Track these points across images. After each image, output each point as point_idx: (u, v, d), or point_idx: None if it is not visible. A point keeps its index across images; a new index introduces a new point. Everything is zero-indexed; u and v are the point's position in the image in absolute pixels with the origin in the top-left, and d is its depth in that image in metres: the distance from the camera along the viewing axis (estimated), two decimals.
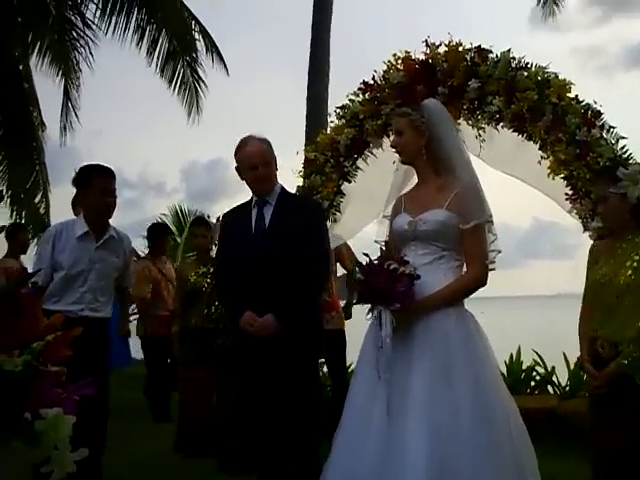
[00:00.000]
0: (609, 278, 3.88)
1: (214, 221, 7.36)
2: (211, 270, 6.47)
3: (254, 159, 4.34)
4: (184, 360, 6.74)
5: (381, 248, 3.65)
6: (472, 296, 3.71)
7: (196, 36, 13.74)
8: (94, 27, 13.30)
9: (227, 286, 4.45)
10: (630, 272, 3.80)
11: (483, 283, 3.70)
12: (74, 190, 5.40)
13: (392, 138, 3.92)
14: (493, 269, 3.78)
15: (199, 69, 13.89)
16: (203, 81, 14.01)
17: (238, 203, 4.57)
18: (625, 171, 3.97)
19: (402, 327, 3.45)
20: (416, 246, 3.66)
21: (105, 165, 4.83)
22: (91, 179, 4.76)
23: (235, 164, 4.43)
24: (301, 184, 5.99)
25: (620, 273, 3.84)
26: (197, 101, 14.21)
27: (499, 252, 3.73)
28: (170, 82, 13.99)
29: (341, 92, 5.86)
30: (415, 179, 3.92)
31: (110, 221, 4.91)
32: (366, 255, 3.57)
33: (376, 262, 3.48)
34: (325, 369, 7.71)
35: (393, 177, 4.23)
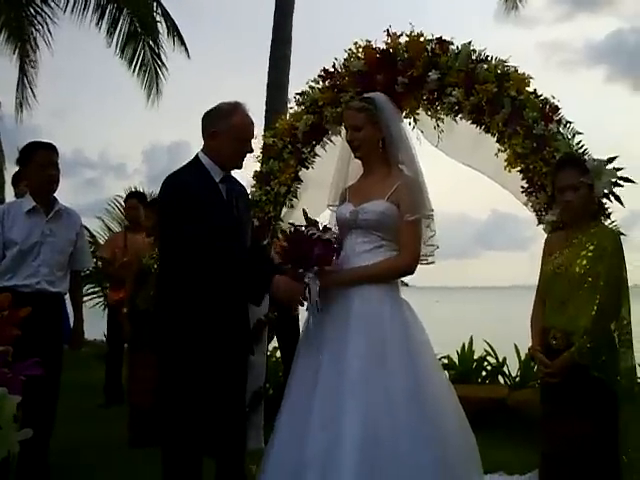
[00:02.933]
0: (564, 268, 3.92)
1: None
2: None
3: (251, 132, 3.98)
4: (132, 343, 6.67)
5: (306, 217, 3.81)
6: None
7: (157, 18, 13.63)
8: (52, 4, 13.12)
9: (236, 247, 3.82)
10: (585, 262, 3.84)
11: (409, 271, 3.87)
12: None
13: (346, 133, 4.05)
14: (433, 262, 4.02)
15: (160, 51, 13.80)
16: (164, 64, 13.94)
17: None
18: (593, 163, 4.14)
19: (329, 298, 3.71)
20: (357, 234, 3.85)
21: (46, 141, 4.85)
22: (31, 154, 4.81)
23: (215, 127, 3.87)
24: (259, 169, 5.95)
25: (575, 263, 3.87)
26: (157, 83, 14.16)
27: (437, 247, 4.05)
28: (130, 63, 13.91)
29: (302, 79, 5.84)
30: (357, 166, 4.11)
31: (67, 200, 4.95)
32: (291, 224, 3.87)
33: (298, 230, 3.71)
34: (278, 354, 7.72)
35: (338, 163, 4.29)
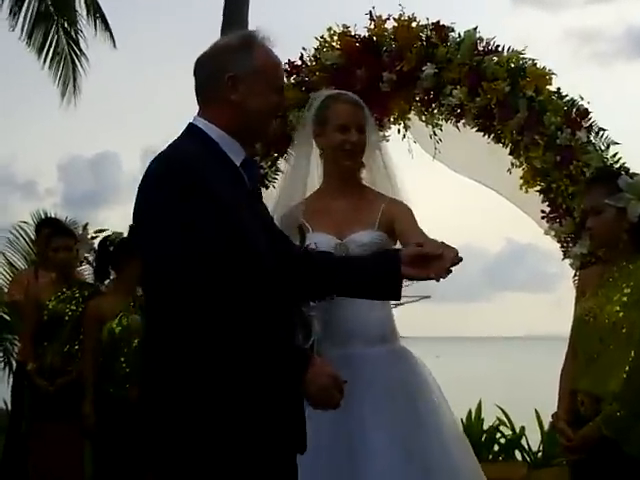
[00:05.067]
0: (594, 314, 3.90)
1: (81, 230, 7.26)
2: (76, 294, 6.40)
3: (282, 77, 3.29)
4: (38, 411, 6.54)
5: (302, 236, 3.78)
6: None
7: None
8: None
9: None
10: (618, 308, 3.82)
11: None
12: None
13: (339, 133, 3.99)
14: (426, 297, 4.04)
15: (79, 37, 13.71)
16: (83, 52, 13.83)
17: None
18: (629, 180, 3.96)
19: None
20: None
21: None
22: None
23: (233, 68, 2.91)
24: None
25: (606, 309, 3.86)
26: (74, 78, 14.02)
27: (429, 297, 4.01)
28: (40, 51, 13.77)
29: None
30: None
31: None
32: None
33: None
34: None
35: (291, 174, 4.39)
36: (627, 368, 3.74)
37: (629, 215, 3.90)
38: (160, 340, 2.79)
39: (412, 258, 3.00)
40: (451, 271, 2.99)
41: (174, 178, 2.70)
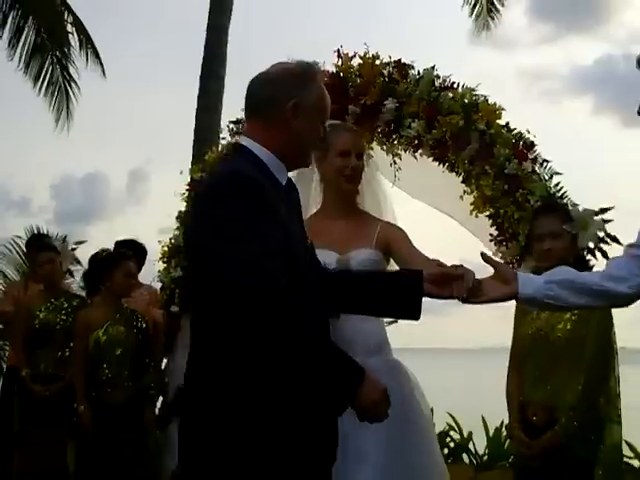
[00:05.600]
0: (545, 332, 3.94)
1: (65, 242, 7.17)
2: (64, 304, 6.31)
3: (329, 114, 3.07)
4: (28, 416, 6.39)
5: None
6: None
7: (69, 28, 13.52)
8: None
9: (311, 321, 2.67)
10: (569, 326, 3.86)
11: None
12: None
13: (339, 160, 4.04)
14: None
15: (71, 67, 13.68)
16: (75, 82, 13.81)
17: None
18: (579, 212, 4.24)
19: None
20: None
21: None
22: None
23: (297, 95, 2.79)
24: (183, 209, 5.86)
25: (558, 328, 3.90)
26: (67, 105, 13.99)
27: None
28: (36, 80, 13.74)
29: (237, 104, 5.78)
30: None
31: None
32: None
33: None
34: None
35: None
36: (582, 381, 3.82)
37: (579, 242, 4.15)
38: (219, 344, 2.61)
39: (435, 277, 2.88)
40: (470, 291, 2.88)
41: (241, 193, 2.55)
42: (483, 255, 2.94)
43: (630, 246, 2.90)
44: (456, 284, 2.86)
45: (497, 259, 3.09)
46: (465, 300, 2.84)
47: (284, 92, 2.77)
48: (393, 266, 4.15)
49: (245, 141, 2.82)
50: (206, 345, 2.66)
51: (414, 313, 2.92)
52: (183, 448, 2.72)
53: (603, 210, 4.40)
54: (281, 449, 2.58)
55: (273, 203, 2.61)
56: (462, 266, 2.92)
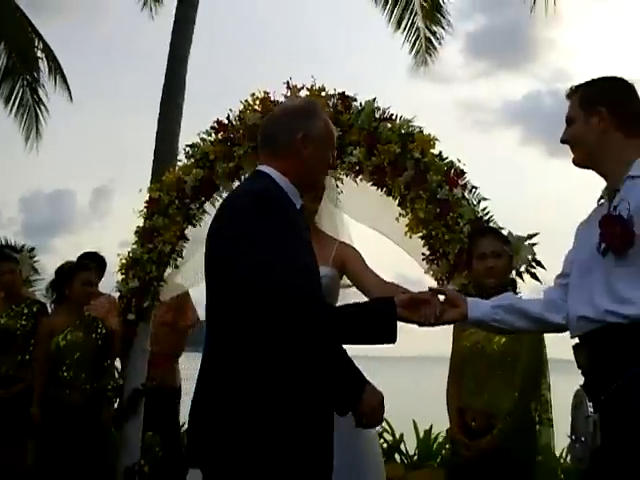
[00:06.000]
0: (482, 346, 4.01)
1: (24, 252, 7.11)
2: (25, 310, 6.24)
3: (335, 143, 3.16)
4: None
5: None
6: None
7: (39, 54, 13.41)
8: None
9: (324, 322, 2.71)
10: (504, 340, 3.93)
11: None
12: None
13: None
14: None
15: (40, 90, 13.56)
16: (44, 104, 13.69)
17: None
18: (513, 236, 4.42)
19: None
20: None
21: None
22: None
23: (306, 129, 2.90)
24: (142, 225, 5.85)
25: (494, 341, 3.97)
26: (37, 126, 13.86)
27: None
28: (7, 102, 13.60)
29: (194, 129, 5.81)
30: None
31: None
32: None
33: None
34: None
35: None
36: (517, 390, 3.92)
37: (514, 263, 4.32)
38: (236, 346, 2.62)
39: (404, 303, 2.80)
40: (437, 316, 2.87)
41: (268, 211, 2.62)
42: (431, 288, 2.98)
43: (557, 277, 2.98)
44: (424, 309, 2.85)
45: (445, 287, 3.14)
46: (421, 324, 2.82)
47: (294, 126, 2.88)
48: (345, 280, 4.18)
49: (265, 168, 2.88)
50: (227, 350, 2.65)
51: (391, 337, 2.80)
52: (196, 441, 2.72)
53: (530, 236, 4.53)
54: (288, 452, 2.57)
55: (297, 223, 2.73)
56: (428, 292, 2.93)
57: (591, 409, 2.58)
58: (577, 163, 2.85)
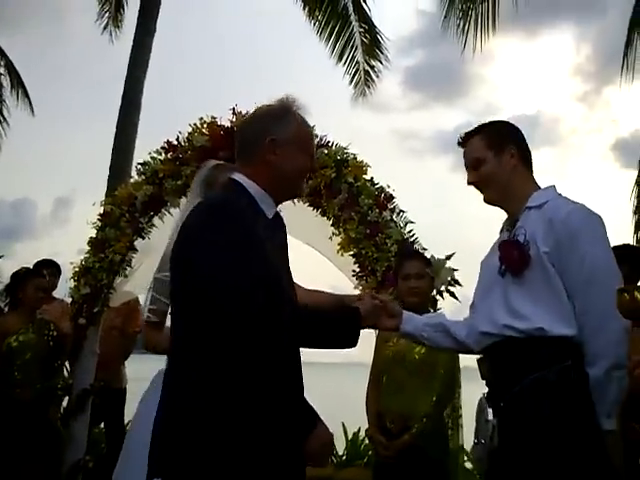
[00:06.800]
0: (403, 353, 4.11)
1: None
2: None
3: (314, 144, 2.91)
4: None
5: None
6: None
7: (1, 70, 13.24)
8: None
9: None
10: (423, 350, 4.03)
11: None
12: None
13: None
14: None
15: (2, 106, 13.39)
16: (5, 119, 13.51)
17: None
18: (434, 259, 4.55)
19: None
20: None
21: None
22: None
23: (274, 133, 2.63)
24: (94, 236, 5.87)
25: (414, 351, 4.08)
26: None
27: None
28: None
29: (148, 148, 5.85)
30: None
31: None
32: None
33: None
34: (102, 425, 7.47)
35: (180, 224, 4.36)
36: (435, 395, 4.05)
37: (435, 284, 4.49)
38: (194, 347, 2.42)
39: (367, 313, 2.69)
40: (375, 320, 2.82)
41: (228, 223, 2.40)
42: (373, 295, 2.97)
43: (470, 307, 2.98)
44: (384, 317, 2.87)
45: (384, 297, 3.12)
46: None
47: (261, 131, 2.64)
48: None
49: (238, 177, 2.64)
50: (187, 350, 2.45)
51: (354, 342, 2.63)
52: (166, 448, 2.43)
53: (448, 257, 4.66)
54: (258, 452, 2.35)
55: (254, 232, 2.46)
56: (370, 296, 2.91)
57: (491, 415, 2.69)
58: (489, 201, 2.87)
